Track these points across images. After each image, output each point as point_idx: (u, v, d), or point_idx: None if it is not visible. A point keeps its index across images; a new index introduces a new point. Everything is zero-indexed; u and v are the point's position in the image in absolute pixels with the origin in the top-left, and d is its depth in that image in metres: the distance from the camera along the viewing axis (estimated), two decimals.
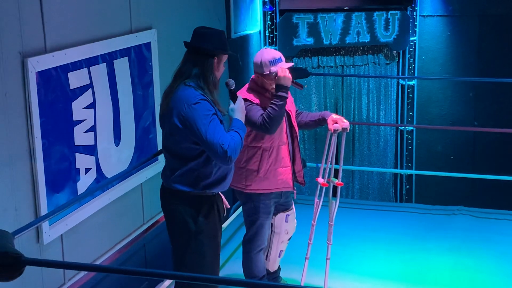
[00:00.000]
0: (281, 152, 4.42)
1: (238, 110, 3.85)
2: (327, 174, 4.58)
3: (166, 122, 3.81)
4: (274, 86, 4.31)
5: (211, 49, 3.78)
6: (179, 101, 3.70)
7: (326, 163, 4.55)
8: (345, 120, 4.49)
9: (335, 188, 4.62)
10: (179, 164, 3.81)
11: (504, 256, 5.51)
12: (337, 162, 4.74)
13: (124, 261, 5.01)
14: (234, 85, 3.89)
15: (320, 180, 4.57)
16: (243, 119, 3.86)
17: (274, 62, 4.29)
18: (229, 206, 4.14)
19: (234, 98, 3.88)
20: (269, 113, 4.20)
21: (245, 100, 4.24)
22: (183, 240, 3.88)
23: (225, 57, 3.88)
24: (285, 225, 4.67)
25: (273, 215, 4.61)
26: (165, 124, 3.83)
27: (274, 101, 4.22)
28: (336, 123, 4.48)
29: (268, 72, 4.29)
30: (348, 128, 4.47)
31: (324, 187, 4.56)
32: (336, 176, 4.65)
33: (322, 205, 4.63)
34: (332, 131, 4.47)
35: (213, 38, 3.81)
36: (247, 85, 4.47)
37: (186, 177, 3.80)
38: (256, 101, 4.31)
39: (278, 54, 4.35)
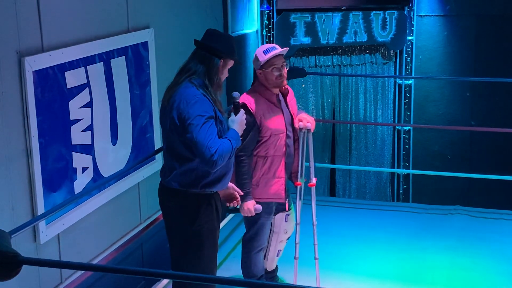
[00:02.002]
0: (275, 163, 4.41)
1: (238, 122, 3.87)
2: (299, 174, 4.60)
3: (167, 117, 3.81)
4: (280, 74, 4.31)
5: (218, 50, 3.81)
6: (180, 98, 3.72)
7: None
8: (310, 121, 4.49)
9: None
10: (178, 162, 3.81)
11: (501, 255, 5.51)
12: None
13: (121, 261, 5.01)
14: (239, 98, 3.94)
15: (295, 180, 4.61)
16: (240, 132, 3.87)
17: (267, 51, 4.30)
18: (242, 193, 4.17)
19: (236, 111, 3.90)
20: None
21: (243, 105, 4.22)
22: (181, 238, 3.88)
23: (230, 63, 3.91)
24: (285, 224, 4.67)
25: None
26: (166, 120, 3.82)
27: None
28: (301, 121, 4.48)
29: (264, 62, 4.29)
30: (311, 129, 4.47)
31: (309, 187, 4.59)
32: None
33: (316, 205, 4.66)
34: (298, 130, 4.48)
35: (223, 41, 3.87)
36: (251, 89, 4.47)
37: (185, 176, 3.80)
38: (252, 106, 4.30)
39: (271, 44, 4.37)
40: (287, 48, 4.45)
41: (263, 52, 4.31)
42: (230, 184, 4.07)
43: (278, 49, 4.33)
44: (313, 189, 4.63)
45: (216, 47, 3.81)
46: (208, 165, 3.65)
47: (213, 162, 3.61)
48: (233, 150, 3.75)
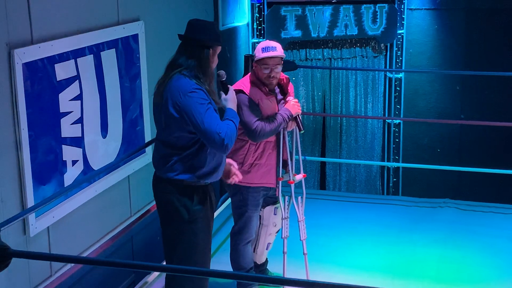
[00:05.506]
0: (267, 149, 4.44)
1: (231, 100, 3.91)
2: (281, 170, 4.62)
3: (162, 112, 3.80)
4: (268, 75, 4.35)
5: (206, 41, 3.80)
6: (174, 91, 3.72)
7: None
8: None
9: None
10: (173, 153, 3.81)
11: (489, 248, 5.55)
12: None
13: (111, 253, 5.00)
14: (225, 76, 3.94)
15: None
16: (235, 109, 3.91)
17: (266, 49, 4.36)
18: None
19: (225, 89, 3.92)
20: (264, 126, 4.29)
21: (239, 91, 4.31)
22: (176, 229, 3.89)
23: (219, 49, 3.91)
24: (274, 217, 4.69)
25: (261, 207, 4.63)
26: (160, 115, 3.82)
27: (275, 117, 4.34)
28: None
29: (259, 58, 4.35)
30: (287, 128, 4.47)
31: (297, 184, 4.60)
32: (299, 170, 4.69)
33: (306, 198, 4.67)
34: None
35: (208, 30, 3.85)
36: (246, 77, 4.51)
37: (180, 167, 3.81)
38: (247, 91, 4.36)
39: (273, 44, 4.41)
40: (283, 55, 4.46)
41: (262, 49, 4.38)
42: (228, 160, 4.10)
43: (275, 51, 4.37)
44: (303, 184, 4.64)
45: (204, 38, 3.80)
46: (220, 149, 3.72)
47: (225, 146, 3.69)
48: (237, 129, 3.82)
